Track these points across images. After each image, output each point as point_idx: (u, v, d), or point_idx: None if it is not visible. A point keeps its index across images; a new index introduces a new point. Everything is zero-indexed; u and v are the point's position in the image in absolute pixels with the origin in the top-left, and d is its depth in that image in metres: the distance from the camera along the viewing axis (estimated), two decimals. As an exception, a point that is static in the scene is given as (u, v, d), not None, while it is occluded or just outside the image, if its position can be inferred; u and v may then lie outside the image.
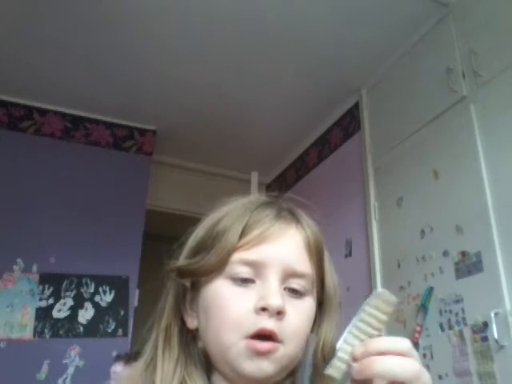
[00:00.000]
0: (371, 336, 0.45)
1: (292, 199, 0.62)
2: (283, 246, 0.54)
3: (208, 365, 0.56)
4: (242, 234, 0.54)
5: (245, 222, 0.55)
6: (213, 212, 0.59)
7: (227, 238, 0.54)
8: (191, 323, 0.57)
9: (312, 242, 0.57)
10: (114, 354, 2.14)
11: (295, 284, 0.54)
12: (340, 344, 0.46)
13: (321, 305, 0.58)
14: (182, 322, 0.58)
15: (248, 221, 0.55)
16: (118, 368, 1.83)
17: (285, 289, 0.54)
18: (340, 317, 0.59)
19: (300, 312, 0.54)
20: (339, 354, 0.45)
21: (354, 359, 0.44)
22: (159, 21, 2.19)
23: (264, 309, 0.51)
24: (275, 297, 0.51)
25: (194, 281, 0.57)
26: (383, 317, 0.45)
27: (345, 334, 0.46)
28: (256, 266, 0.53)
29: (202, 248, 0.56)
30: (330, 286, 0.59)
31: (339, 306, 0.60)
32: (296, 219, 0.58)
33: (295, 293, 0.54)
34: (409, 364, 0.43)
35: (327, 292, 0.59)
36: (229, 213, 0.57)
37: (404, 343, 0.44)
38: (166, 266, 0.57)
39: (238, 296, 0.52)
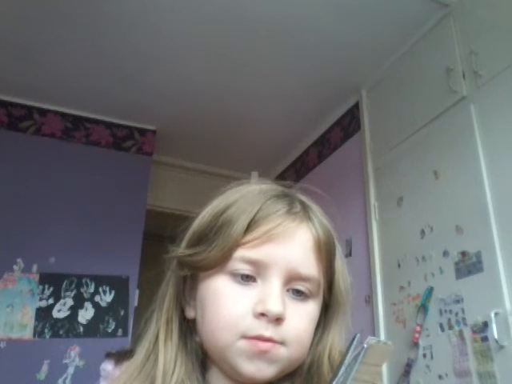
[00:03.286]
0: None
1: (307, 190, 0.57)
2: (290, 247, 0.50)
3: (203, 359, 0.53)
4: (248, 230, 0.50)
5: (252, 215, 0.50)
6: (222, 196, 0.55)
7: (231, 233, 0.50)
8: (189, 313, 0.54)
9: (322, 243, 0.52)
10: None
11: (300, 286, 0.51)
12: None
13: (327, 308, 0.55)
14: (182, 312, 0.54)
15: (256, 214, 0.50)
16: (108, 366, 1.76)
17: (288, 290, 0.51)
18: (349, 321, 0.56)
19: (301, 316, 0.51)
20: None
21: None
22: (160, 21, 2.19)
23: (263, 314, 0.48)
24: (275, 302, 0.48)
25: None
26: (378, 368, 0.40)
27: None
28: (258, 266, 0.50)
29: (204, 237, 0.52)
30: (340, 288, 0.55)
31: (349, 309, 0.56)
32: (308, 216, 0.53)
33: (299, 294, 0.51)
34: None
35: (335, 295, 0.55)
36: (237, 201, 0.52)
37: None
38: (167, 254, 0.54)
39: (236, 295, 0.50)
